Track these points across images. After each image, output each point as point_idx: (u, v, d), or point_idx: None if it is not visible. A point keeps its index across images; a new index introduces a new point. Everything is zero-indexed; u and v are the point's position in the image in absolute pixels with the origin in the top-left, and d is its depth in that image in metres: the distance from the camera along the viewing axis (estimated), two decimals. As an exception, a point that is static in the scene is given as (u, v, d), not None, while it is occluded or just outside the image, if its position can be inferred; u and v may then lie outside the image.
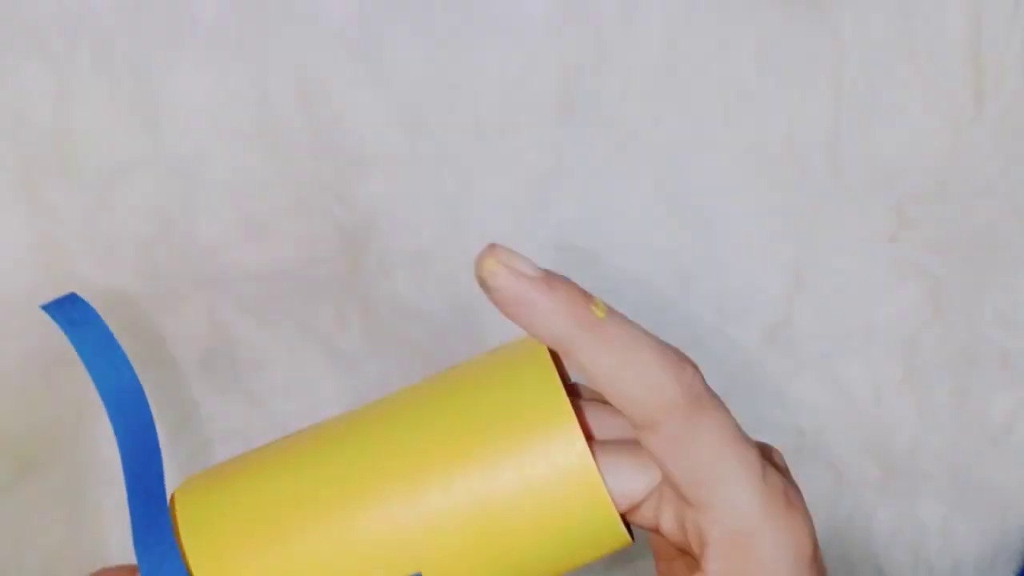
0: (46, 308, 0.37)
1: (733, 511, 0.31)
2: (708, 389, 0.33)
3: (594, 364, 0.32)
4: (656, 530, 0.34)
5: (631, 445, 0.34)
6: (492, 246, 0.33)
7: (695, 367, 0.32)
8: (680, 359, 0.32)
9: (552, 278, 0.33)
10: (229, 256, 0.53)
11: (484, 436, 0.32)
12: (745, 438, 0.33)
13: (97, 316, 0.37)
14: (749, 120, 0.52)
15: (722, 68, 0.51)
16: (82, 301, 0.37)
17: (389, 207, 0.53)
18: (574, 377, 0.39)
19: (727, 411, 0.33)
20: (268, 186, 0.52)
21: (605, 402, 0.35)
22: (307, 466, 0.34)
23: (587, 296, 0.33)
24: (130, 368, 0.36)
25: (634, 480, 0.33)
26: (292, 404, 0.56)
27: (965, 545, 0.58)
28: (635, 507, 0.34)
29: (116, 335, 0.52)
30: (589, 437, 0.34)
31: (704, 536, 0.32)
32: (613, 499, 0.33)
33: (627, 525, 0.35)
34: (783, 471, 0.35)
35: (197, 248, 0.53)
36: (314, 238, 0.53)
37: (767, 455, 0.34)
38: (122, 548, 0.55)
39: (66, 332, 0.36)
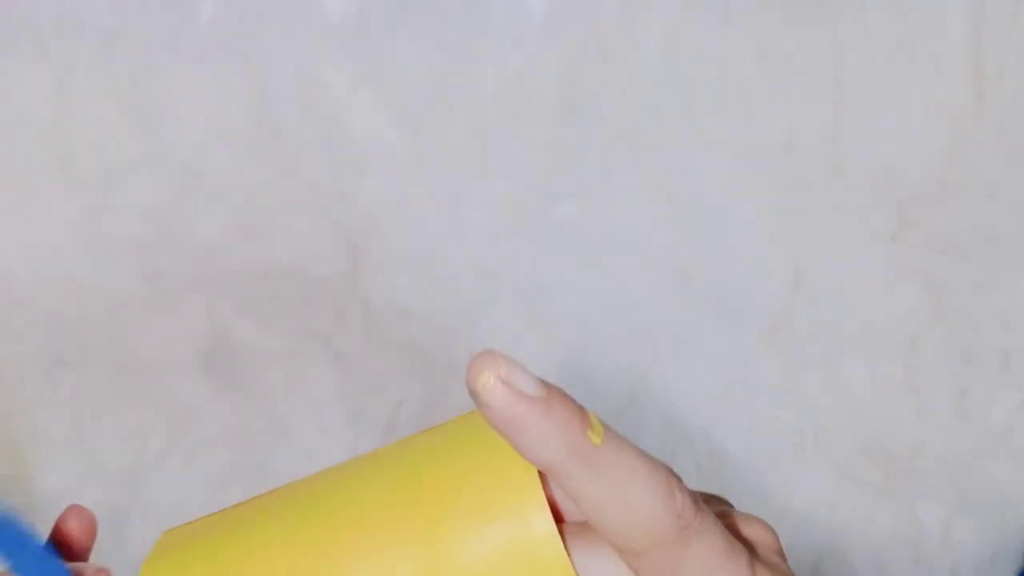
0: None
1: None
2: (699, 512, 0.31)
3: (582, 494, 0.30)
4: None
5: None
6: (491, 355, 0.29)
7: (684, 492, 0.31)
8: (669, 486, 0.30)
9: (551, 399, 0.29)
10: (229, 256, 0.53)
11: (454, 516, 0.31)
12: (733, 550, 0.31)
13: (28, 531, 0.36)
14: (749, 120, 0.52)
15: (722, 68, 0.51)
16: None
17: (389, 207, 0.53)
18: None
19: (716, 526, 0.31)
20: (268, 186, 0.52)
21: None
22: (272, 541, 0.33)
23: (584, 418, 0.30)
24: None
25: (610, 571, 0.32)
26: (292, 404, 0.56)
27: (965, 545, 0.58)
28: None
29: (116, 335, 0.52)
30: (560, 519, 0.32)
31: None
32: None
33: None
34: (773, 553, 0.34)
35: (197, 248, 0.53)
36: (314, 238, 0.53)
37: (754, 550, 0.33)
38: (120, 547, 0.55)
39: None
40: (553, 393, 0.30)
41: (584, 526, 0.32)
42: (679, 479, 0.31)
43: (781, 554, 0.34)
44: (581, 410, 0.30)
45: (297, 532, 0.33)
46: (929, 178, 0.53)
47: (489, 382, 0.29)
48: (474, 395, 0.29)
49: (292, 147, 0.52)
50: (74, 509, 0.38)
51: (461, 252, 0.54)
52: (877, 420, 0.57)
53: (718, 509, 0.34)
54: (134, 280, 0.53)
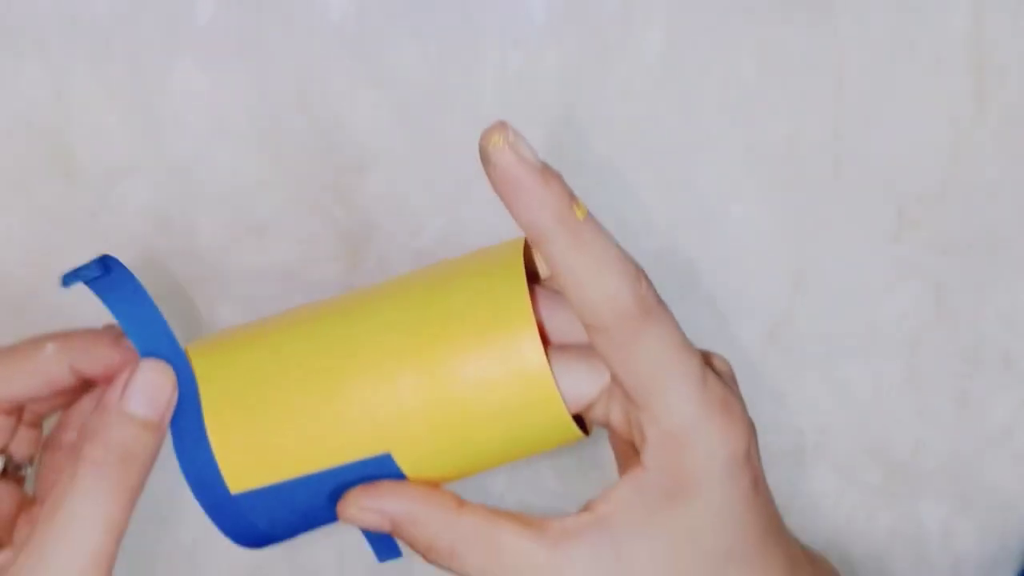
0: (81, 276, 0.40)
1: (670, 414, 0.34)
2: (659, 302, 0.35)
3: (561, 260, 0.34)
4: (607, 425, 0.38)
5: (585, 350, 0.37)
6: (503, 125, 0.33)
7: (649, 284, 0.35)
8: (637, 274, 0.35)
9: (548, 170, 0.34)
10: (229, 256, 0.53)
11: (454, 335, 0.36)
12: (687, 347, 0.35)
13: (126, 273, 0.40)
14: (749, 120, 0.52)
15: (722, 68, 0.51)
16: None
17: (389, 207, 0.53)
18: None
19: (674, 322, 0.35)
20: (268, 186, 0.52)
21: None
22: (298, 345, 0.38)
23: (573, 196, 0.34)
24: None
25: (586, 383, 0.36)
26: (292, 404, 0.56)
27: (966, 546, 0.57)
28: (587, 407, 0.37)
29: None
30: (547, 341, 0.37)
31: (644, 432, 0.35)
32: (566, 400, 0.36)
33: (583, 422, 0.39)
34: (726, 377, 0.38)
35: (197, 248, 0.53)
36: (314, 238, 0.53)
37: (709, 362, 0.38)
38: (120, 551, 0.55)
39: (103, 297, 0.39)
40: (550, 169, 0.34)
41: (564, 348, 0.37)
42: (647, 276, 0.35)
43: (734, 380, 0.39)
44: (571, 190, 0.34)
45: (316, 345, 0.38)
46: (930, 178, 0.53)
47: (499, 143, 0.33)
48: (484, 154, 0.33)
49: (292, 147, 0.52)
50: None
51: (461, 252, 0.54)
52: (878, 420, 0.56)
53: None
54: (134, 280, 0.53)
